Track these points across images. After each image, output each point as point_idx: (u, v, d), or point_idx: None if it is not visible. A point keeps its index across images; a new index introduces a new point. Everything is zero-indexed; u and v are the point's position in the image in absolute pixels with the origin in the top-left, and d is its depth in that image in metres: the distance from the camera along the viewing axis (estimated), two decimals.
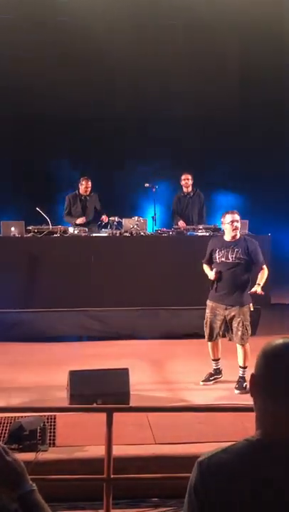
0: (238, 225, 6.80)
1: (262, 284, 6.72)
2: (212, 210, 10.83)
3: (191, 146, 12.30)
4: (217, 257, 6.82)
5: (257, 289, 6.68)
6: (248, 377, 6.49)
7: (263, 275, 6.79)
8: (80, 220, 9.79)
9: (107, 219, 9.66)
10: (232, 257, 6.74)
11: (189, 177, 10.17)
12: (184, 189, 10.23)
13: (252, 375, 1.82)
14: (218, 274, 6.77)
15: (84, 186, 10.07)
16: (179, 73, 12.46)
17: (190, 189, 10.23)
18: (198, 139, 12.45)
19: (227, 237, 6.87)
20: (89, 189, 10.10)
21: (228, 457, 1.76)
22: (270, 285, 9.32)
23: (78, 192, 10.14)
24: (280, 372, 1.76)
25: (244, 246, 6.76)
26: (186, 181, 10.18)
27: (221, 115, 12.62)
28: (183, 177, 10.20)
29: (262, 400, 1.79)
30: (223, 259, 6.78)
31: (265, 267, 6.83)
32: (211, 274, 6.84)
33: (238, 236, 6.83)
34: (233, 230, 6.77)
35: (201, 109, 12.57)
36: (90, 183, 10.09)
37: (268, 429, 1.76)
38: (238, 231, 6.83)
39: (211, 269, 6.89)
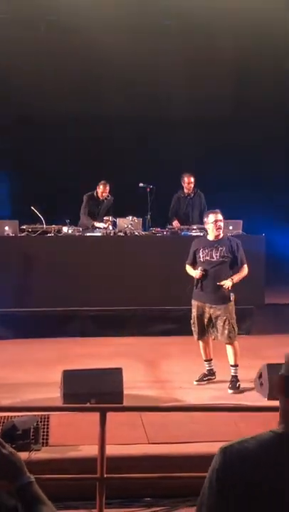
0: (222, 224, 6.84)
1: (235, 280, 6.72)
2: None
3: (187, 146, 12.30)
4: (201, 256, 6.83)
5: (227, 283, 6.66)
6: (240, 376, 6.59)
7: (241, 272, 6.81)
8: (99, 224, 9.61)
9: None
10: (216, 256, 6.76)
11: (192, 179, 10.04)
12: (186, 190, 10.17)
13: (281, 376, 1.86)
14: (204, 272, 6.78)
15: (101, 191, 9.95)
16: (177, 73, 12.46)
17: (191, 190, 10.17)
18: (194, 140, 12.44)
19: (210, 237, 6.91)
20: (105, 194, 10.01)
21: (253, 446, 1.79)
22: (264, 285, 9.39)
23: (96, 194, 10.03)
24: None
25: (228, 245, 6.81)
26: (190, 184, 10.06)
27: (218, 115, 12.63)
28: (186, 179, 10.06)
29: (280, 397, 1.83)
30: (207, 258, 6.79)
31: (246, 266, 6.85)
32: (195, 272, 6.84)
33: (221, 235, 6.86)
34: (217, 229, 6.81)
35: (198, 108, 12.58)
36: (107, 187, 9.96)
37: (279, 426, 1.79)
38: (221, 230, 6.86)
39: (195, 269, 6.91)
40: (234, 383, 6.61)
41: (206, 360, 7.00)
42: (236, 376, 6.63)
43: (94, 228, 9.59)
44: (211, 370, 6.98)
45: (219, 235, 6.83)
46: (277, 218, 12.15)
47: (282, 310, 10.52)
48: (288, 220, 12.65)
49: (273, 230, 10.52)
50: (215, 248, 6.78)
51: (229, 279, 6.70)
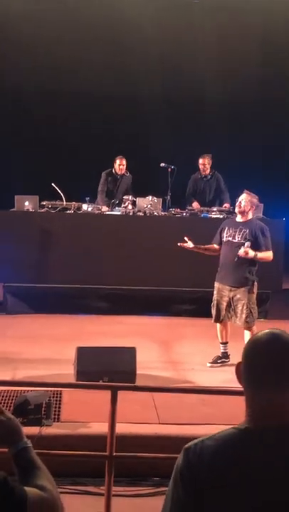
0: (243, 204, 6.76)
1: (257, 256, 6.60)
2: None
3: (211, 126, 12.21)
4: (225, 236, 6.81)
5: (248, 249, 6.56)
6: None
7: (264, 253, 6.69)
8: (104, 209, 9.53)
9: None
10: (238, 237, 6.71)
11: (206, 161, 10.01)
12: (202, 172, 10.12)
13: (237, 364, 1.85)
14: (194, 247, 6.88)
15: (118, 164, 9.89)
16: (204, 53, 12.32)
17: (208, 171, 10.12)
18: (217, 120, 12.34)
19: (238, 218, 6.89)
20: (123, 168, 9.92)
21: (216, 444, 1.77)
22: (282, 270, 9.32)
23: (114, 171, 9.98)
24: (261, 362, 1.79)
25: (253, 228, 6.72)
26: (203, 166, 10.01)
27: (242, 95, 12.51)
28: (200, 161, 10.02)
29: (248, 389, 1.81)
30: (229, 239, 6.77)
31: (271, 252, 6.74)
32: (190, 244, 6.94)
33: (249, 217, 6.80)
34: (237, 207, 6.81)
35: (221, 89, 12.45)
36: (124, 161, 9.89)
37: (254, 418, 1.77)
38: (246, 212, 6.77)
39: (219, 250, 6.89)
40: None
41: (221, 343, 7.00)
42: None
43: (113, 207, 9.55)
44: (226, 353, 6.97)
45: (244, 216, 6.78)
46: None
47: None
48: None
49: None
50: (239, 229, 6.73)
51: (252, 251, 6.58)
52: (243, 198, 6.82)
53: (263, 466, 1.71)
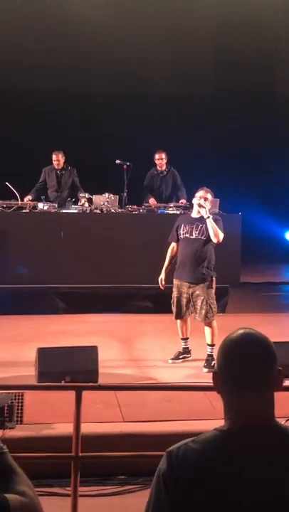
0: (202, 202, 6.72)
1: (210, 221, 6.63)
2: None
3: (167, 123, 12.25)
4: (181, 233, 6.81)
5: (205, 206, 6.65)
6: (215, 355, 6.57)
7: (217, 227, 6.70)
8: (26, 198, 9.43)
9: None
10: (195, 233, 6.72)
11: (163, 156, 10.02)
12: (158, 167, 10.13)
13: (214, 372, 1.84)
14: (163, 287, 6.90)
15: (55, 160, 9.90)
16: (156, 49, 12.36)
17: (164, 167, 10.12)
18: (174, 117, 12.40)
19: (193, 214, 6.87)
20: (61, 162, 9.92)
21: (199, 447, 1.75)
22: (239, 264, 9.41)
23: (54, 166, 9.96)
24: (238, 364, 1.78)
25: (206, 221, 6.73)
26: (160, 161, 10.02)
27: (197, 93, 12.61)
28: (157, 156, 10.03)
29: (226, 393, 1.80)
30: (187, 235, 6.77)
31: (222, 233, 6.72)
32: (162, 276, 6.99)
33: (203, 213, 6.77)
34: (198, 205, 6.76)
35: (177, 86, 12.52)
36: (60, 155, 9.88)
37: (235, 420, 1.76)
38: (203, 209, 6.73)
39: (177, 249, 6.90)
40: (209, 362, 6.61)
41: (182, 339, 7.00)
42: (212, 355, 6.62)
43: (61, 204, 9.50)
44: (187, 348, 6.99)
45: (200, 212, 6.77)
46: (254, 197, 12.19)
47: (257, 289, 10.60)
48: (264, 199, 12.71)
49: (250, 209, 10.54)
50: (196, 225, 6.74)
51: (206, 214, 6.65)
52: (204, 196, 6.78)
53: (249, 467, 1.70)
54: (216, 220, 6.77)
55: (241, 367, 1.77)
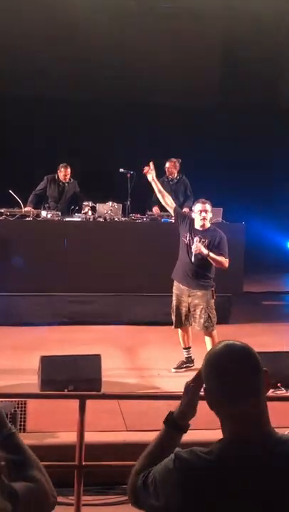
0: (206, 215, 6.69)
1: (210, 255, 6.55)
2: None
3: (170, 132, 12.28)
4: (187, 236, 6.72)
5: (202, 248, 6.53)
6: None
7: (219, 257, 6.62)
8: (28, 209, 9.33)
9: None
10: None
11: (173, 165, 9.94)
12: (169, 175, 10.05)
13: (205, 390, 1.88)
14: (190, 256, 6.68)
15: (63, 174, 9.89)
16: (162, 58, 12.42)
17: (175, 175, 10.08)
18: (179, 126, 12.44)
19: (197, 225, 6.77)
20: (68, 176, 9.93)
21: (204, 457, 1.79)
22: (243, 273, 9.39)
23: (57, 177, 9.97)
24: (224, 376, 1.81)
25: (211, 238, 6.68)
26: (170, 169, 9.93)
27: (203, 102, 12.66)
28: (167, 164, 9.93)
29: (219, 408, 1.84)
30: (188, 244, 6.71)
31: (225, 259, 6.66)
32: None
33: (207, 226, 6.76)
34: (201, 219, 6.69)
35: (181, 96, 12.57)
36: (68, 170, 9.90)
37: (232, 433, 1.77)
38: (207, 221, 6.71)
39: (172, 209, 6.85)
40: None
41: (184, 348, 7.00)
42: None
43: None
44: (190, 357, 6.98)
45: (204, 225, 6.72)
46: (257, 207, 12.20)
47: (260, 298, 10.60)
48: (267, 209, 12.72)
49: (253, 218, 10.54)
50: (199, 237, 6.67)
51: (203, 248, 6.56)
52: (208, 209, 6.72)
53: (253, 478, 1.71)
54: (221, 240, 6.70)
55: (227, 378, 1.80)
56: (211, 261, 6.64)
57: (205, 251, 6.55)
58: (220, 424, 1.85)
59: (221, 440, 1.81)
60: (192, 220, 6.81)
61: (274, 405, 1.86)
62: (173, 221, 9.16)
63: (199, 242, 6.61)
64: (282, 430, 2.01)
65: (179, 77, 12.57)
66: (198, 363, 6.77)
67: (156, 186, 6.88)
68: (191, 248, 6.68)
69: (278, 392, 5.94)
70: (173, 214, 7.03)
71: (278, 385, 5.95)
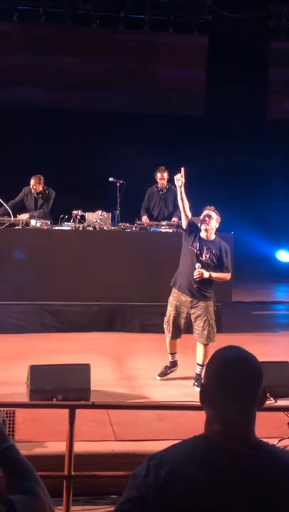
0: (208, 221, 6.67)
1: (213, 276, 6.59)
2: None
3: (159, 142, 12.33)
4: (196, 244, 6.65)
5: (204, 272, 6.53)
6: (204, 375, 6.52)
7: (222, 274, 6.70)
8: (22, 216, 9.38)
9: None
10: (206, 256, 6.65)
11: (165, 175, 9.85)
12: (159, 185, 10.04)
13: (203, 385, 1.90)
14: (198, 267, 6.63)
15: (32, 185, 9.84)
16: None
17: (164, 186, 10.05)
18: (166, 136, 12.49)
19: (202, 234, 6.73)
20: (37, 188, 9.84)
21: (178, 451, 1.81)
22: (231, 283, 9.40)
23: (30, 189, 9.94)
24: (229, 378, 1.84)
25: (218, 249, 6.69)
26: (162, 180, 9.91)
27: (191, 112, 12.72)
28: (159, 175, 9.90)
29: (212, 404, 1.85)
30: (198, 252, 6.65)
31: (229, 274, 6.76)
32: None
33: (212, 237, 6.75)
34: (201, 224, 6.71)
35: (170, 105, 12.63)
36: (36, 181, 9.80)
37: (215, 430, 1.80)
38: (209, 229, 6.69)
39: (187, 219, 6.76)
40: (200, 381, 6.60)
41: (171, 353, 6.97)
42: (201, 375, 6.59)
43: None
44: (175, 361, 6.96)
45: (207, 233, 6.70)
46: (245, 217, 12.25)
47: (249, 308, 10.63)
48: (256, 219, 12.78)
49: (242, 228, 10.57)
50: (206, 249, 6.66)
51: (209, 272, 6.59)
52: (209, 215, 6.72)
53: (226, 472, 1.74)
54: (227, 254, 6.73)
55: (232, 381, 1.83)
56: (215, 280, 6.66)
57: (206, 275, 6.56)
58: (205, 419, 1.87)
59: (198, 435, 1.82)
60: (199, 231, 6.78)
61: (263, 415, 1.88)
62: (163, 231, 9.25)
63: (207, 256, 6.63)
64: (272, 440, 2.02)
65: (167, 86, 12.62)
66: (188, 372, 6.78)
67: (181, 194, 6.79)
68: (199, 257, 6.64)
69: (267, 402, 5.95)
70: (186, 223, 6.83)
71: (267, 394, 5.97)
